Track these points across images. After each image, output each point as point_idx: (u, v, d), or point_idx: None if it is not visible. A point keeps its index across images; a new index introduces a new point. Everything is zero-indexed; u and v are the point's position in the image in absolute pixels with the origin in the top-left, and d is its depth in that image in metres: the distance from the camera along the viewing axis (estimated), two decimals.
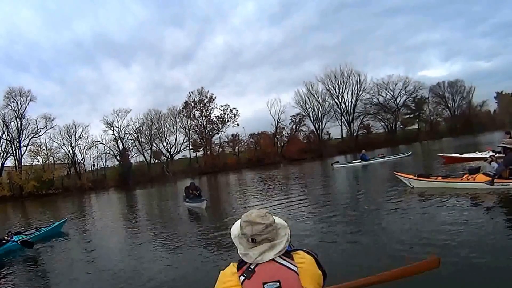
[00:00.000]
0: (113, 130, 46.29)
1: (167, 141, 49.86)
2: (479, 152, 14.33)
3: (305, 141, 52.36)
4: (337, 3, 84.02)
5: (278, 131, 51.71)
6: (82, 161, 45.49)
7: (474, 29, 79.18)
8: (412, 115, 57.40)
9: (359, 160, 22.64)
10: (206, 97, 49.94)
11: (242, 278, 1.30)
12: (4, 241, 8.13)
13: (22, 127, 42.03)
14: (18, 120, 41.79)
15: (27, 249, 7.87)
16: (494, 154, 9.61)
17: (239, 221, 1.46)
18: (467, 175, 7.98)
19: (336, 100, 53.32)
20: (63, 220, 10.96)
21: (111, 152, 46.47)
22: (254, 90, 79.07)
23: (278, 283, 1.27)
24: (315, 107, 53.02)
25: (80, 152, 45.13)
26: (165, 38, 79.14)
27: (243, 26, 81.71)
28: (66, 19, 72.47)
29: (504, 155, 7.52)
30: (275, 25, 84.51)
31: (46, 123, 42.92)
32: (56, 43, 67.77)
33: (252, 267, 1.32)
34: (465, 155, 14.75)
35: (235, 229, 1.48)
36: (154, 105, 61.84)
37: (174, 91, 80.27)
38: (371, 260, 4.29)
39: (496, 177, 7.19)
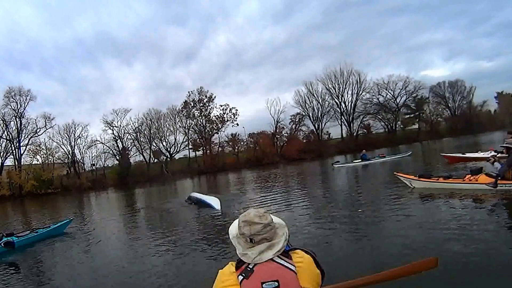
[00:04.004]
0: (112, 130, 46.34)
1: (166, 140, 49.96)
2: (481, 152, 14.32)
3: (304, 141, 52.29)
4: (340, 2, 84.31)
5: (277, 130, 51.73)
6: (81, 161, 45.50)
7: (476, 28, 79.48)
8: (412, 115, 57.40)
9: (360, 160, 22.70)
10: (206, 96, 49.94)
11: (240, 277, 1.30)
12: None
13: (22, 126, 41.98)
14: (17, 119, 41.76)
15: (10, 250, 7.78)
16: (495, 154, 9.59)
17: (237, 221, 1.46)
18: (469, 175, 7.89)
19: (336, 99, 53.35)
20: (67, 220, 10.41)
21: (111, 152, 46.52)
22: (256, 89, 79.27)
23: (276, 283, 1.27)
24: (315, 107, 53.10)
25: (80, 152, 45.18)
26: (167, 37, 79.27)
27: (246, 25, 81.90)
28: (67, 16, 72.22)
29: (507, 155, 7.47)
30: (278, 24, 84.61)
31: (45, 122, 42.93)
32: (57, 41, 67.94)
33: (250, 266, 1.32)
34: (468, 155, 14.71)
35: (233, 229, 1.47)
36: (156, 104, 62.02)
37: (176, 90, 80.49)
38: (370, 260, 4.29)
39: (499, 178, 7.13)
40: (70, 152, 44.03)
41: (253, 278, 1.29)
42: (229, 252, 5.34)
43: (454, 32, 77.12)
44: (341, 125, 54.10)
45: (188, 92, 50.15)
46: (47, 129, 43.10)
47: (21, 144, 42.11)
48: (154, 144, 49.23)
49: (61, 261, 6.87)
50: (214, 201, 10.95)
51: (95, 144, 45.58)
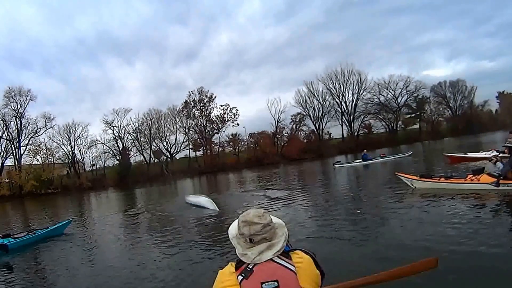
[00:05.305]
0: (112, 130, 46.39)
1: (167, 140, 50.01)
2: (483, 152, 14.29)
3: (305, 141, 52.30)
4: (343, 1, 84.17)
5: (278, 130, 51.72)
6: (81, 161, 45.55)
7: (479, 29, 79.61)
8: (413, 115, 57.36)
9: (361, 160, 22.74)
10: (206, 96, 50.01)
11: (240, 277, 1.30)
12: None
13: (22, 126, 42.11)
14: (17, 119, 41.87)
15: (4, 253, 7.67)
16: (497, 154, 9.56)
17: (236, 221, 1.46)
18: (471, 175, 7.85)
19: (336, 99, 53.35)
20: (67, 221, 10.26)
21: (111, 152, 46.60)
22: (257, 89, 79.05)
23: (276, 283, 1.26)
24: (315, 107, 53.10)
25: (80, 152, 45.24)
26: (169, 36, 79.30)
27: (248, 25, 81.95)
28: (68, 15, 72.40)
29: (509, 155, 7.45)
30: (280, 23, 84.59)
31: (45, 122, 43.02)
32: (58, 41, 68.07)
33: (250, 267, 1.31)
34: (470, 154, 14.67)
35: (232, 229, 1.47)
36: (157, 104, 61.92)
37: (177, 89, 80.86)
38: (370, 260, 4.28)
39: (501, 177, 7.10)
40: (70, 152, 44.16)
41: (252, 278, 1.28)
42: (228, 252, 5.33)
43: (456, 32, 77.35)
44: (341, 125, 54.19)
45: (189, 92, 50.29)
46: (47, 129, 43.28)
47: (21, 144, 42.32)
48: (155, 144, 49.42)
49: (60, 263, 6.79)
50: (207, 203, 10.97)
51: (95, 144, 45.75)
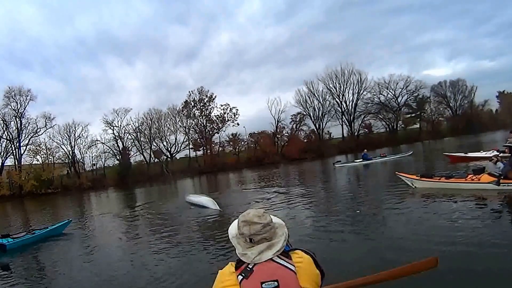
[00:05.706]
0: (112, 130, 46.35)
1: (167, 140, 49.99)
2: (484, 151, 14.29)
3: (305, 140, 52.25)
4: (343, 1, 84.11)
5: (278, 130, 51.68)
6: (81, 160, 45.49)
7: (479, 28, 79.39)
8: (413, 115, 57.28)
9: (361, 160, 22.75)
10: (206, 96, 49.96)
11: (240, 277, 1.29)
12: None
13: (22, 126, 42.02)
14: (17, 119, 41.79)
15: (2, 253, 7.67)
16: (498, 153, 9.57)
17: (236, 221, 1.45)
18: (472, 175, 7.87)
19: (337, 99, 53.24)
20: (66, 221, 10.25)
21: (111, 152, 46.56)
22: (258, 88, 78.70)
23: (276, 283, 1.26)
24: (315, 107, 53.01)
25: (80, 152, 45.18)
26: (169, 36, 79.15)
27: (249, 24, 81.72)
28: (69, 15, 72.26)
29: (509, 154, 7.45)
30: (281, 23, 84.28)
31: (45, 122, 42.90)
32: (58, 40, 67.91)
33: (250, 266, 1.31)
34: (470, 154, 14.68)
35: (232, 229, 1.47)
36: (157, 103, 61.93)
37: (177, 89, 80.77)
38: (370, 260, 4.28)
39: (502, 177, 7.11)
40: (70, 152, 44.09)
41: (252, 278, 1.28)
42: (228, 252, 5.33)
43: (457, 32, 77.36)
44: (342, 125, 54.08)
45: (189, 91, 50.22)
46: (47, 129, 43.16)
47: (21, 144, 42.18)
48: (155, 144, 49.35)
49: (59, 263, 6.79)
50: (209, 203, 10.95)
51: (95, 144, 45.68)
